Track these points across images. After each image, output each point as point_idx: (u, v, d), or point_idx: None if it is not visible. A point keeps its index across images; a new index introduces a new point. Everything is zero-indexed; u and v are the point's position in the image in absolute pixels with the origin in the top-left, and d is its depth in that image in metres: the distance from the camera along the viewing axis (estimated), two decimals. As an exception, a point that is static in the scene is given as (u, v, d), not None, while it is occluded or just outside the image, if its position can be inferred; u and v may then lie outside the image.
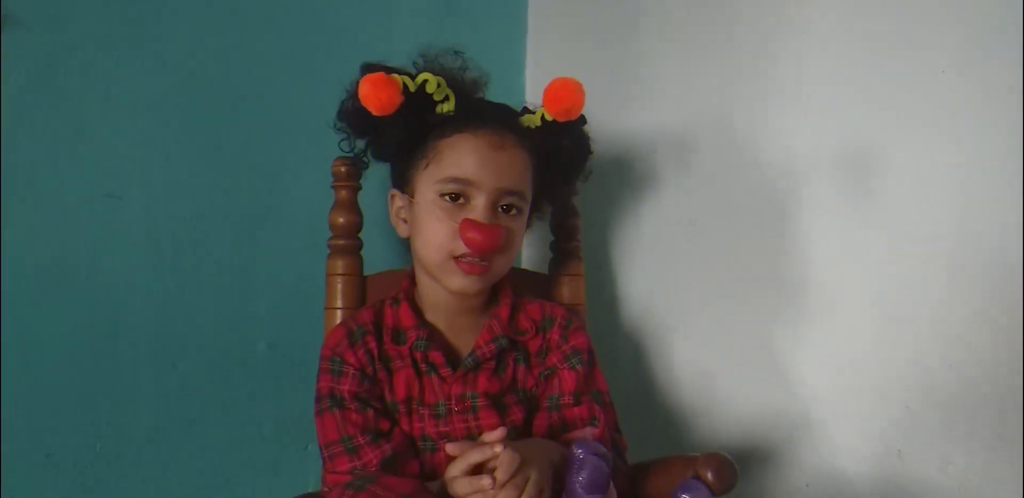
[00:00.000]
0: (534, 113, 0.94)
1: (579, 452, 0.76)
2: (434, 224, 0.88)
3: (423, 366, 0.90)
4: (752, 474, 1.06)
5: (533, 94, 0.98)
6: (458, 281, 0.89)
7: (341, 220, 1.02)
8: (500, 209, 0.89)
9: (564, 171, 0.98)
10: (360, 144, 0.96)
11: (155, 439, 1.05)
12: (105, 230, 1.02)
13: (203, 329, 1.09)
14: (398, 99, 0.85)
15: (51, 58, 0.97)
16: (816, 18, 1.01)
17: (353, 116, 0.90)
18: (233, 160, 1.11)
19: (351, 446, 0.84)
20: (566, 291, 1.09)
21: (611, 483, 0.78)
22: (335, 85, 0.90)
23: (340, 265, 1.02)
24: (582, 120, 0.96)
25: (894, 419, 0.94)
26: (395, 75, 0.86)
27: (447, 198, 0.88)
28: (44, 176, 0.98)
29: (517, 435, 0.90)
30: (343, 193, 1.03)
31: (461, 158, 0.88)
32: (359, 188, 1.04)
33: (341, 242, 1.03)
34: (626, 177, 1.23)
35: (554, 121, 0.93)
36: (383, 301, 0.95)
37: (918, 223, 0.92)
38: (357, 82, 0.87)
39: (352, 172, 1.02)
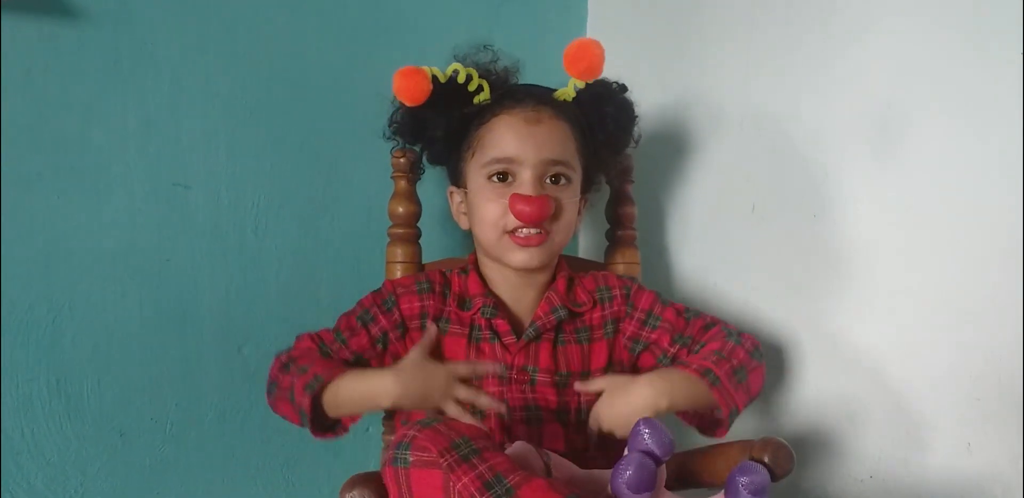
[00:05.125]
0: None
1: (642, 431, 0.75)
2: (486, 205, 0.91)
3: (486, 333, 0.92)
4: (812, 464, 1.04)
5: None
6: (518, 256, 0.91)
7: (400, 209, 1.04)
8: (549, 180, 0.91)
9: (611, 139, 0.98)
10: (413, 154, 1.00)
11: (220, 420, 1.08)
12: (173, 218, 1.05)
13: (266, 315, 1.11)
14: (427, 86, 0.88)
15: (121, 53, 1.00)
16: (883, 2, 0.98)
17: (400, 122, 0.95)
18: (295, 151, 1.13)
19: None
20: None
21: (662, 475, 0.77)
22: (394, 67, 0.92)
23: (399, 253, 1.04)
24: (622, 88, 0.97)
25: (963, 411, 0.92)
26: (424, 67, 0.89)
27: (495, 179, 0.91)
28: (116, 166, 1.01)
29: (583, 417, 0.90)
30: (402, 183, 1.04)
31: (500, 138, 0.91)
32: (418, 179, 1.05)
33: (400, 231, 1.04)
34: (683, 163, 1.22)
35: (590, 90, 0.93)
36: (452, 269, 0.98)
37: (987, 213, 0.89)
38: None
39: (411, 163, 1.03)
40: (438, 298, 0.94)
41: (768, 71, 1.11)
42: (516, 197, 0.88)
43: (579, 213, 0.97)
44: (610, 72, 0.95)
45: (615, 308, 0.96)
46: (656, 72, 1.23)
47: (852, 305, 1.02)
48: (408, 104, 0.90)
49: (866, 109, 1.00)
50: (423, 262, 1.05)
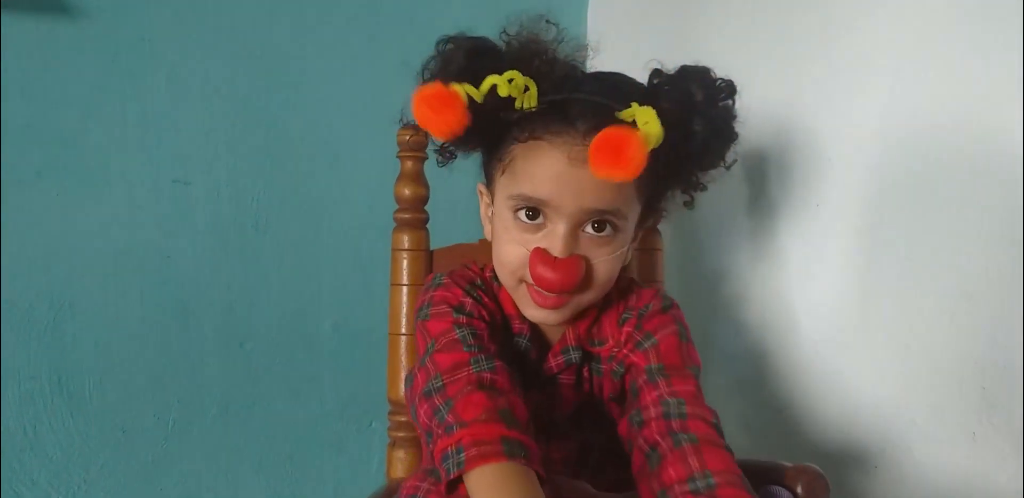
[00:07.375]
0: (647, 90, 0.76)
1: None
2: (506, 245, 0.75)
3: (520, 358, 0.81)
4: (817, 453, 1.04)
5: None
6: (532, 312, 0.76)
7: (407, 192, 0.96)
8: (591, 228, 0.73)
9: (697, 160, 0.78)
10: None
11: (223, 416, 1.08)
12: (173, 215, 1.04)
13: (269, 309, 1.11)
14: (464, 118, 0.68)
15: (119, 49, 1.00)
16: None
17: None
18: (295, 145, 1.13)
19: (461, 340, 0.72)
20: (643, 266, 1.03)
21: None
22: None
23: (406, 239, 0.96)
24: (729, 87, 0.79)
25: (968, 400, 0.92)
26: (455, 86, 0.68)
27: (523, 216, 0.73)
28: (115, 164, 1.01)
29: (597, 457, 0.83)
30: (409, 164, 0.96)
31: (535, 174, 0.71)
32: (426, 158, 0.95)
33: (407, 215, 0.96)
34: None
35: (673, 97, 0.74)
36: (483, 268, 0.82)
37: (990, 197, 0.89)
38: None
39: (418, 141, 0.94)
40: (485, 311, 0.78)
41: (769, 63, 1.11)
42: (539, 256, 0.71)
43: (629, 248, 0.79)
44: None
45: (624, 330, 0.79)
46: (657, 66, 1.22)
47: (857, 296, 1.02)
48: (438, 138, 0.72)
49: (868, 99, 1.00)
50: (431, 249, 0.98)
